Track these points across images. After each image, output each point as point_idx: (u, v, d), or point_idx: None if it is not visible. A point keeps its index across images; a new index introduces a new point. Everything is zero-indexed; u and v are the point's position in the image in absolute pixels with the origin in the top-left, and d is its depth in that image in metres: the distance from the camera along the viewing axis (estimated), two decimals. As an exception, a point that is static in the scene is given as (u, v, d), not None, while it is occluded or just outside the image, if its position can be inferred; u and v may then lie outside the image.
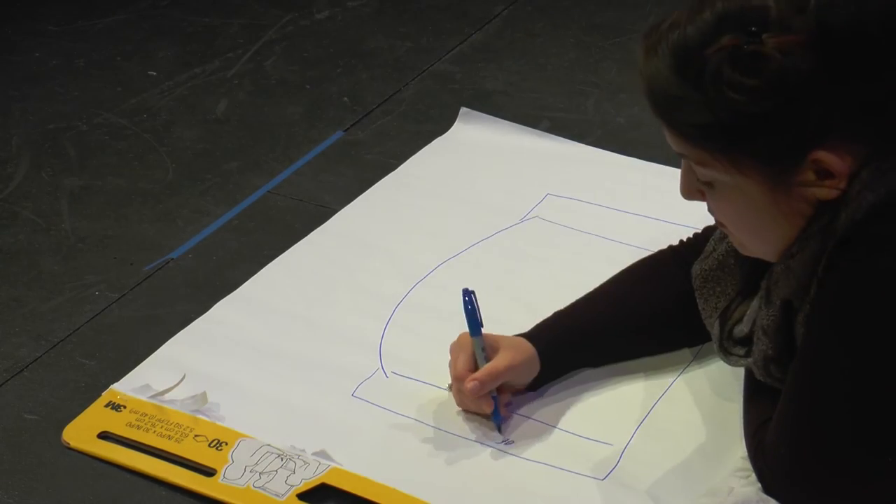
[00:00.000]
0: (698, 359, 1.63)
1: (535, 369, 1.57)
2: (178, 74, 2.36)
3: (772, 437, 1.36)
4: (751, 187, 1.30)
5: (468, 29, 2.50)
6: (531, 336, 1.58)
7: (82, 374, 1.66)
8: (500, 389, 1.54)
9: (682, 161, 1.36)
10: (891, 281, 1.25)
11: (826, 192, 1.29)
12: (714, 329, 1.49)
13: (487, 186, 2.00)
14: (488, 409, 1.53)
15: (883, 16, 1.23)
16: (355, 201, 1.97)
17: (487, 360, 1.52)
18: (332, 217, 1.93)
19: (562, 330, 1.60)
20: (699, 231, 1.63)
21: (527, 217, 1.92)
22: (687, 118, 1.29)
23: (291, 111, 2.25)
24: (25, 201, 2.02)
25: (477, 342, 1.53)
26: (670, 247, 1.65)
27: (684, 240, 1.64)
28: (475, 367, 1.53)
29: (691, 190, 1.37)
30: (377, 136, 2.17)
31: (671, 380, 1.61)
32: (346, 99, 2.28)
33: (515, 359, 1.54)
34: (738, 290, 1.48)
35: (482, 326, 1.53)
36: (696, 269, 1.55)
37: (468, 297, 1.54)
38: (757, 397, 1.43)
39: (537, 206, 1.94)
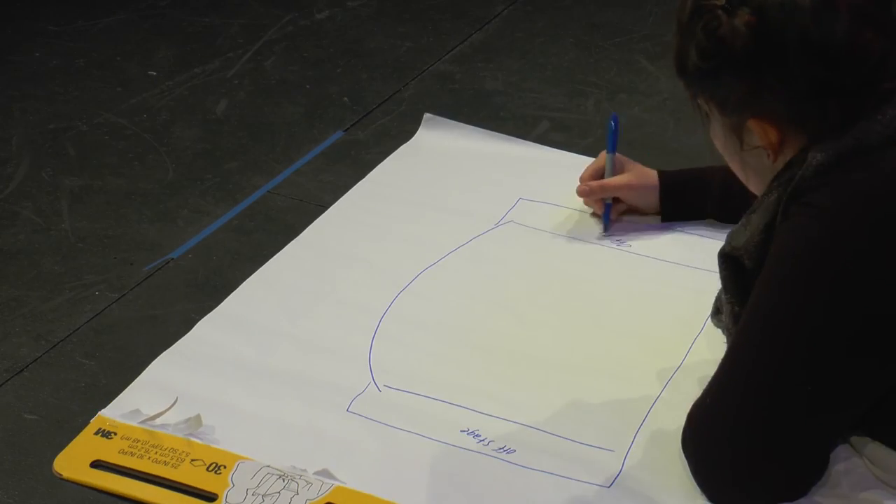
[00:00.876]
0: (690, 359, 1.64)
1: (653, 198, 1.89)
2: (178, 74, 2.36)
3: (704, 392, 1.41)
4: (718, 125, 1.44)
5: (468, 29, 2.50)
6: (662, 171, 1.89)
7: (82, 374, 1.66)
8: (618, 201, 1.89)
9: None
10: (826, 223, 1.33)
11: (766, 156, 1.41)
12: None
13: (459, 192, 1.99)
14: (598, 211, 1.91)
15: (798, 33, 1.34)
16: (327, 212, 1.95)
17: (612, 174, 1.88)
18: (306, 229, 1.91)
19: (690, 176, 1.88)
20: None
21: (501, 222, 1.92)
22: (675, 49, 1.44)
23: (291, 111, 2.25)
24: (25, 201, 2.02)
25: (609, 158, 1.88)
26: None
27: None
28: (600, 176, 1.89)
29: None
30: (377, 136, 2.17)
31: (665, 381, 1.61)
32: (346, 99, 2.28)
33: (631, 181, 1.88)
34: None
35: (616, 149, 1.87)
36: (722, 250, 1.59)
37: (614, 121, 1.88)
38: None
39: (511, 211, 1.94)
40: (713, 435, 1.39)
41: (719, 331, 1.58)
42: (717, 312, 1.55)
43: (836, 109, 1.36)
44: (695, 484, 1.43)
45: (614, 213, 1.91)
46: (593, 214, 1.92)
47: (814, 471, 1.39)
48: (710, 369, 1.58)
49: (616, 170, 1.88)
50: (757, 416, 1.35)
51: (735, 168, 1.48)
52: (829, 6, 1.33)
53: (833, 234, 1.33)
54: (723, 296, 1.48)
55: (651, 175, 1.89)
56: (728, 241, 1.46)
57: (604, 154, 1.89)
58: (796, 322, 1.34)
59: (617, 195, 1.89)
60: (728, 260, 1.46)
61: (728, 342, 1.48)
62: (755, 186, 1.47)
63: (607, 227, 1.89)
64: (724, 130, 1.44)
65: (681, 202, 1.89)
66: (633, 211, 1.91)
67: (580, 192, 1.89)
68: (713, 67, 1.38)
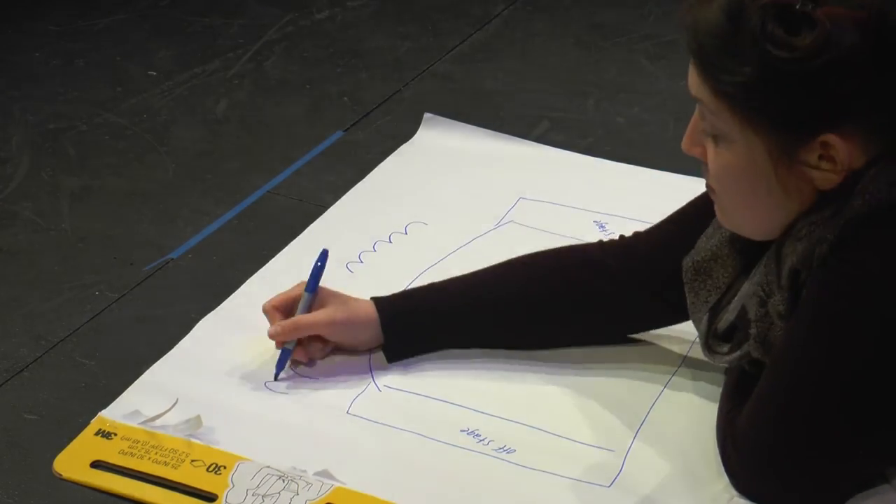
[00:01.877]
0: (690, 359, 1.64)
1: (368, 333, 1.61)
2: (178, 74, 2.36)
3: (744, 420, 1.38)
4: (756, 148, 1.31)
5: (468, 29, 2.50)
6: (378, 301, 1.61)
7: (82, 374, 1.66)
8: (318, 339, 1.60)
9: (696, 109, 1.37)
10: (876, 284, 1.28)
11: (824, 178, 1.31)
12: (702, 325, 1.50)
13: (459, 192, 1.99)
14: (276, 346, 1.60)
15: None
16: (327, 212, 1.95)
17: (305, 313, 1.60)
18: (306, 229, 1.91)
19: (415, 303, 1.62)
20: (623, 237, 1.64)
21: (502, 222, 1.92)
22: (719, 63, 1.30)
23: (291, 111, 2.25)
24: (25, 201, 2.02)
25: (306, 298, 1.60)
26: (599, 241, 1.66)
27: (604, 240, 1.65)
28: (290, 310, 1.60)
29: (695, 142, 1.39)
30: (377, 136, 2.17)
31: (665, 381, 1.61)
32: (346, 99, 2.29)
33: (334, 317, 1.59)
34: (729, 283, 1.48)
35: (317, 287, 1.61)
36: (688, 261, 1.53)
37: (322, 258, 1.62)
38: (738, 388, 1.44)
39: (511, 211, 1.94)
40: (761, 461, 1.36)
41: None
42: (712, 352, 1.49)
43: None
44: (694, 484, 1.44)
45: (305, 356, 1.61)
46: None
47: (846, 491, 1.37)
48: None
49: (317, 305, 1.61)
50: (795, 448, 1.34)
51: (752, 203, 1.36)
52: None
53: (878, 305, 1.27)
54: (776, 321, 1.39)
55: (363, 307, 1.61)
56: (784, 272, 1.36)
57: (301, 285, 1.61)
58: (834, 367, 1.31)
59: (316, 332, 1.60)
60: (795, 277, 1.35)
61: (732, 376, 1.47)
62: (757, 224, 1.38)
63: (277, 375, 1.60)
64: (763, 150, 1.31)
65: (408, 338, 1.61)
66: (340, 350, 1.64)
67: (270, 334, 1.58)
68: (808, 72, 1.25)
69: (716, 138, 1.35)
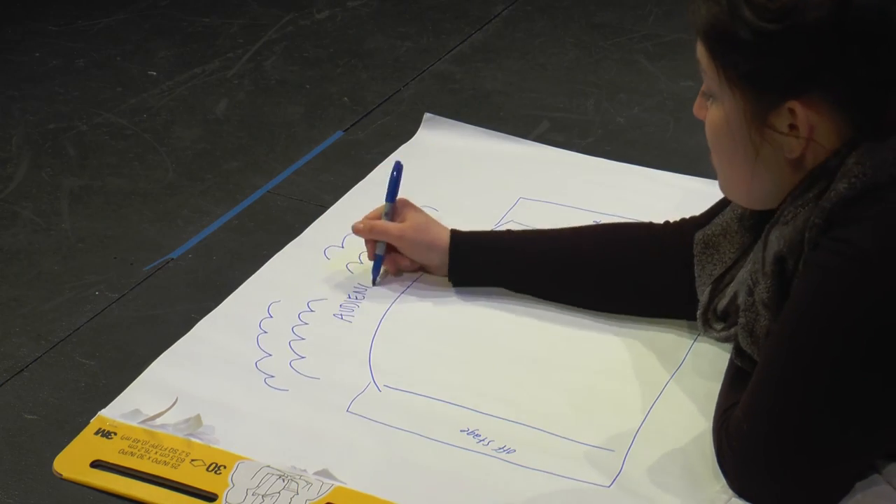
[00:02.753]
0: (690, 359, 1.64)
1: (437, 257, 1.72)
2: (178, 74, 2.36)
3: (738, 414, 1.38)
4: (736, 107, 1.34)
5: (468, 29, 2.50)
6: (456, 230, 1.72)
7: (82, 374, 1.66)
8: (396, 253, 1.74)
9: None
10: (869, 264, 1.27)
11: (790, 145, 1.33)
12: (703, 297, 1.51)
13: (459, 192, 1.99)
14: (369, 255, 1.75)
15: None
16: (327, 212, 1.95)
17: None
18: (306, 229, 1.91)
19: (489, 237, 1.73)
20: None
21: (502, 222, 1.92)
22: (707, 17, 1.32)
23: (291, 111, 2.25)
24: (25, 201, 2.02)
25: (387, 206, 1.74)
26: (649, 222, 1.69)
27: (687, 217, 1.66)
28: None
29: (701, 105, 1.42)
30: (377, 136, 2.17)
31: (665, 381, 1.61)
32: (346, 99, 2.29)
33: (406, 231, 1.72)
34: (735, 259, 1.48)
35: (395, 198, 1.75)
36: (699, 235, 1.56)
37: (397, 168, 1.76)
38: (735, 384, 1.44)
39: (511, 211, 1.94)
40: (754, 457, 1.37)
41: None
42: (706, 326, 1.52)
43: None
44: (694, 484, 1.44)
45: (393, 267, 1.77)
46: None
47: (841, 485, 1.37)
48: (711, 369, 1.59)
49: (398, 217, 1.75)
50: (789, 442, 1.33)
51: (736, 171, 1.39)
52: None
53: (873, 281, 1.27)
54: (760, 310, 1.39)
55: (438, 230, 1.73)
56: (772, 253, 1.36)
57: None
58: (824, 358, 1.30)
59: (386, 240, 1.74)
60: (779, 265, 1.36)
61: (732, 366, 1.47)
62: (745, 191, 1.40)
63: (375, 279, 1.76)
64: (745, 113, 1.34)
65: (470, 266, 1.73)
66: (423, 269, 1.77)
67: (354, 228, 1.75)
68: (772, 33, 1.27)
69: (710, 97, 1.38)
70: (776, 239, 1.36)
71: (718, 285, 1.49)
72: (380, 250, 1.75)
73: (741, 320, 1.42)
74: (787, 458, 1.34)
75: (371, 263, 1.78)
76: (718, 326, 1.48)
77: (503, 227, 1.91)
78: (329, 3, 2.60)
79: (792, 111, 1.31)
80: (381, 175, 2.04)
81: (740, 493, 1.39)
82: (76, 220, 1.97)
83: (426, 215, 1.76)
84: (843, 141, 1.31)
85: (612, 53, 2.40)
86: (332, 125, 2.20)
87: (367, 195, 2.00)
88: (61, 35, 2.50)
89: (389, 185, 1.76)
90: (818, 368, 1.31)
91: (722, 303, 1.47)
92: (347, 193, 2.00)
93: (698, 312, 1.51)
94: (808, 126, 1.31)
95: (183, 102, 2.28)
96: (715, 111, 1.38)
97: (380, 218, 1.75)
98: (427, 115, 2.16)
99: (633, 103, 2.24)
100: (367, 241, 1.76)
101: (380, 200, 1.94)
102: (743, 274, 1.44)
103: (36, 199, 2.02)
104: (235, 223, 1.96)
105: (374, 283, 1.76)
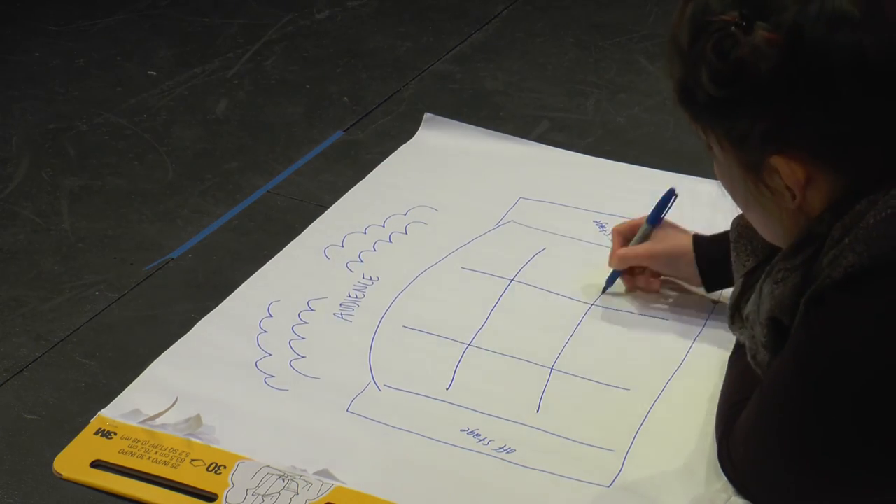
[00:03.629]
0: (690, 359, 1.64)
1: (688, 267, 1.66)
2: (178, 74, 2.36)
3: (737, 434, 1.38)
4: (728, 162, 1.29)
5: (468, 29, 2.50)
6: (696, 236, 1.66)
7: (82, 374, 1.66)
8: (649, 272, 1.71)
9: None
10: (855, 344, 1.23)
11: (787, 197, 1.28)
12: (735, 288, 1.46)
13: (459, 192, 1.99)
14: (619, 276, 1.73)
15: (846, 54, 1.19)
16: (327, 212, 1.95)
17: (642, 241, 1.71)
18: (306, 229, 1.91)
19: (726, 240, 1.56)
20: None
21: (502, 222, 1.92)
22: (673, 74, 1.28)
23: (291, 111, 2.25)
24: (25, 201, 2.02)
25: (644, 228, 1.71)
26: None
27: None
28: (630, 235, 1.71)
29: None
30: (377, 136, 2.17)
31: (665, 381, 1.61)
32: (346, 99, 2.28)
33: (653, 250, 1.68)
34: (766, 256, 1.44)
35: (660, 221, 1.71)
36: (735, 221, 1.51)
37: (671, 195, 1.71)
38: (740, 379, 1.43)
39: (511, 210, 1.94)
40: (752, 477, 1.37)
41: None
42: (733, 320, 1.46)
43: (881, 150, 1.21)
44: (694, 484, 1.44)
45: (642, 281, 1.73)
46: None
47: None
48: (710, 369, 1.59)
49: (650, 238, 1.71)
50: (787, 470, 1.32)
51: (751, 214, 1.34)
52: (880, 12, 1.16)
53: (852, 376, 1.23)
54: (759, 348, 1.37)
55: (683, 240, 1.67)
56: (769, 308, 1.33)
57: (643, 219, 1.72)
58: (813, 419, 1.27)
59: (639, 264, 1.72)
60: (773, 323, 1.33)
61: (740, 350, 1.46)
62: (776, 236, 1.34)
63: (605, 289, 1.76)
64: (741, 170, 1.28)
65: (722, 271, 1.59)
66: (679, 281, 1.73)
67: (610, 263, 1.72)
68: (730, 96, 1.21)
69: (710, 155, 1.34)
70: (768, 296, 1.32)
71: (748, 280, 1.45)
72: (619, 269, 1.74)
73: (747, 343, 1.41)
74: (786, 484, 1.33)
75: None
76: (739, 324, 1.45)
77: (503, 227, 1.91)
78: (329, 3, 2.60)
79: (776, 167, 1.25)
80: (381, 175, 2.04)
81: (743, 494, 1.39)
82: (76, 220, 1.97)
83: (675, 227, 1.70)
84: (841, 191, 1.25)
85: (612, 53, 2.40)
86: (332, 125, 2.20)
87: (367, 195, 2.00)
88: (61, 35, 2.50)
89: (655, 208, 1.71)
90: (807, 425, 1.28)
91: (746, 309, 1.44)
92: (347, 193, 2.00)
93: (730, 302, 1.46)
94: (795, 180, 1.25)
95: (183, 102, 2.28)
96: (717, 165, 1.34)
97: (632, 228, 1.71)
98: (427, 115, 2.16)
99: (633, 103, 2.24)
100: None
101: (379, 200, 1.95)
102: (753, 307, 1.41)
103: (36, 199, 2.02)
104: (235, 223, 1.96)
105: (603, 292, 1.75)
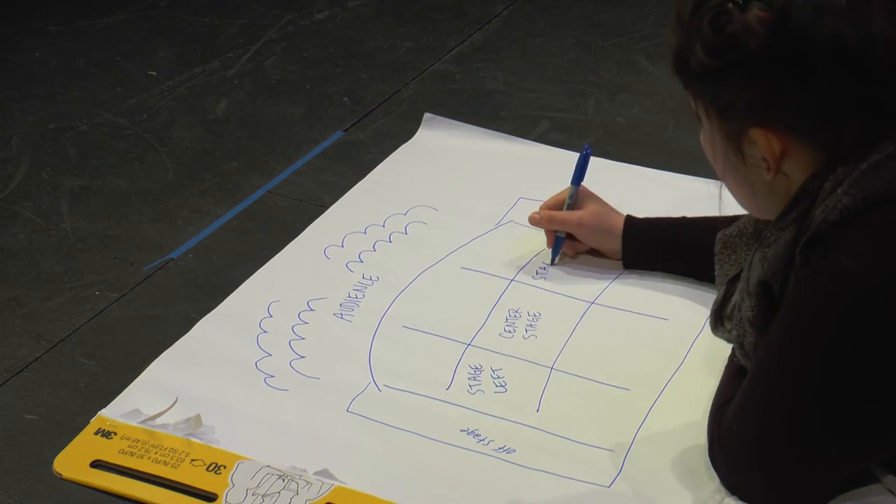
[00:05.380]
0: (690, 359, 1.64)
1: (613, 243, 1.77)
2: (178, 74, 2.36)
3: (729, 416, 1.39)
4: (713, 131, 1.36)
5: (468, 29, 2.50)
6: (630, 216, 1.77)
7: (82, 374, 1.66)
8: (574, 238, 1.78)
9: None
10: (858, 279, 1.27)
11: (764, 172, 1.34)
12: (718, 296, 1.51)
13: (459, 192, 1.99)
14: (548, 244, 1.80)
15: (827, 39, 1.25)
16: (327, 212, 1.95)
17: (573, 208, 1.78)
18: (305, 230, 1.91)
19: (662, 223, 1.76)
20: None
21: (502, 222, 1.92)
22: (675, 46, 1.34)
23: (291, 111, 2.25)
24: (25, 201, 2.02)
25: (571, 189, 1.78)
26: None
27: None
28: (559, 208, 1.78)
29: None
30: (377, 136, 2.17)
31: (665, 381, 1.61)
32: (346, 99, 2.29)
33: (584, 219, 1.77)
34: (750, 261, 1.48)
35: (581, 182, 1.78)
36: (720, 234, 1.57)
37: (587, 151, 1.79)
38: (732, 381, 1.45)
39: (511, 211, 1.94)
40: (743, 459, 1.38)
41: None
42: (717, 324, 1.50)
43: (858, 127, 1.27)
44: (694, 484, 1.44)
45: (571, 250, 1.81)
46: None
47: (830, 488, 1.37)
48: (710, 369, 1.59)
49: (577, 205, 1.79)
50: (776, 448, 1.34)
51: (730, 183, 1.40)
52: (865, 5, 1.23)
53: (858, 303, 1.27)
54: (747, 328, 1.40)
55: (614, 218, 1.78)
56: (757, 274, 1.37)
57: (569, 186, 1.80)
58: (811, 371, 1.31)
59: (566, 230, 1.79)
60: (763, 289, 1.37)
61: (732, 361, 1.48)
62: (754, 205, 1.40)
63: (554, 259, 1.81)
64: (722, 139, 1.35)
65: (643, 251, 1.77)
66: (595, 252, 1.81)
67: (531, 219, 1.80)
68: (720, 67, 1.28)
69: (698, 119, 1.39)
70: (759, 262, 1.36)
71: (731, 287, 1.49)
72: (561, 233, 1.79)
73: (733, 332, 1.44)
74: (775, 462, 1.35)
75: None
76: (728, 326, 1.48)
77: (503, 227, 1.91)
78: (329, 3, 2.60)
79: (755, 139, 1.32)
80: (381, 175, 2.05)
81: (731, 489, 1.40)
82: (76, 220, 1.97)
83: (604, 203, 1.79)
84: (818, 164, 1.31)
85: (612, 53, 2.40)
86: (332, 125, 2.20)
87: (367, 195, 2.00)
88: (61, 35, 2.50)
89: (577, 169, 1.78)
90: (804, 381, 1.32)
91: (730, 305, 1.47)
92: (347, 193, 2.00)
93: (710, 310, 1.51)
94: (771, 152, 1.31)
95: (183, 102, 2.28)
96: (703, 133, 1.40)
97: (562, 202, 1.78)
98: (427, 115, 2.16)
99: (633, 103, 2.24)
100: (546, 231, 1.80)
101: (379, 200, 1.95)
102: (741, 284, 1.45)
103: (36, 199, 2.02)
104: (235, 223, 1.96)
105: (552, 263, 1.81)
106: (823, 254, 1.28)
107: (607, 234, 1.78)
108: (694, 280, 1.76)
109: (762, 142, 1.31)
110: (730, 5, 1.27)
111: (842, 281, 1.28)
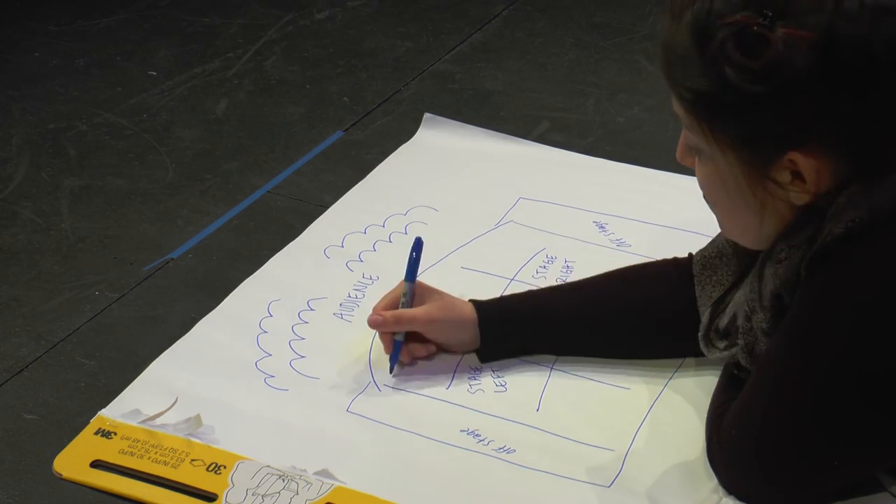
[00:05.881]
0: (690, 359, 1.64)
1: (466, 334, 1.60)
2: (178, 74, 2.36)
3: (728, 419, 1.39)
4: (729, 164, 1.32)
5: (468, 29, 2.50)
6: (478, 302, 1.61)
7: (82, 374, 1.66)
8: (419, 339, 1.60)
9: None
10: (861, 293, 1.28)
11: (796, 196, 1.32)
12: (704, 318, 1.51)
13: (459, 192, 1.99)
14: (386, 350, 1.60)
15: (890, 45, 1.24)
16: (327, 212, 1.95)
17: (409, 306, 1.60)
18: (305, 230, 1.91)
19: (516, 306, 1.62)
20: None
21: (502, 222, 1.92)
22: (684, 80, 1.30)
23: (291, 111, 2.25)
24: (25, 201, 2.02)
25: (407, 287, 1.60)
26: (674, 258, 1.65)
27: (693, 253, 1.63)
28: (396, 307, 1.60)
29: (684, 153, 1.40)
30: (377, 136, 2.17)
31: (665, 381, 1.61)
32: (346, 99, 2.29)
33: (432, 314, 1.59)
34: (732, 282, 1.49)
35: (416, 277, 1.61)
36: (698, 255, 1.57)
37: (417, 247, 1.63)
38: (730, 385, 1.45)
39: (511, 211, 1.94)
40: (741, 460, 1.38)
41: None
42: (708, 346, 1.50)
43: (887, 138, 1.26)
44: (694, 484, 1.44)
45: (408, 357, 1.62)
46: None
47: (829, 493, 1.37)
48: (710, 369, 1.59)
49: (416, 300, 1.61)
50: (775, 451, 1.35)
51: (736, 214, 1.37)
52: None
53: (858, 311, 1.28)
54: (760, 337, 1.40)
55: (461, 307, 1.61)
56: (765, 295, 1.37)
57: (402, 283, 1.62)
58: (811, 379, 1.32)
59: (415, 329, 1.60)
60: (777, 301, 1.36)
61: (727, 371, 1.48)
62: (756, 233, 1.38)
63: (393, 368, 1.61)
64: (744, 169, 1.31)
65: (504, 340, 1.61)
66: (443, 350, 1.64)
67: (370, 322, 1.59)
68: (762, 94, 1.24)
69: (697, 151, 1.36)
70: (771, 276, 1.36)
71: (718, 307, 1.50)
72: (399, 337, 1.60)
73: (740, 342, 1.44)
74: (773, 463, 1.35)
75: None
76: (721, 345, 1.48)
77: (503, 227, 1.91)
78: (329, 3, 2.60)
79: (793, 162, 1.29)
80: (381, 175, 2.05)
81: (729, 489, 1.40)
82: (76, 220, 1.97)
83: (445, 293, 1.63)
84: (838, 180, 1.30)
85: (612, 53, 2.40)
86: (332, 125, 2.20)
87: (367, 195, 2.00)
88: (61, 35, 2.50)
89: (409, 265, 1.61)
90: (805, 388, 1.32)
91: (722, 322, 1.47)
92: (347, 193, 2.00)
93: (700, 333, 1.51)
94: (813, 172, 1.29)
95: (183, 102, 2.28)
96: (706, 167, 1.36)
97: (397, 302, 1.60)
98: (427, 115, 2.16)
99: (633, 103, 2.24)
100: (382, 334, 1.61)
101: (379, 200, 1.95)
102: (740, 297, 1.45)
103: (36, 199, 2.02)
104: (235, 223, 1.96)
105: (391, 373, 1.61)
106: (828, 267, 1.28)
107: (461, 325, 1.60)
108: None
109: (805, 165, 1.28)
110: (755, 28, 1.23)
111: (845, 294, 1.28)
